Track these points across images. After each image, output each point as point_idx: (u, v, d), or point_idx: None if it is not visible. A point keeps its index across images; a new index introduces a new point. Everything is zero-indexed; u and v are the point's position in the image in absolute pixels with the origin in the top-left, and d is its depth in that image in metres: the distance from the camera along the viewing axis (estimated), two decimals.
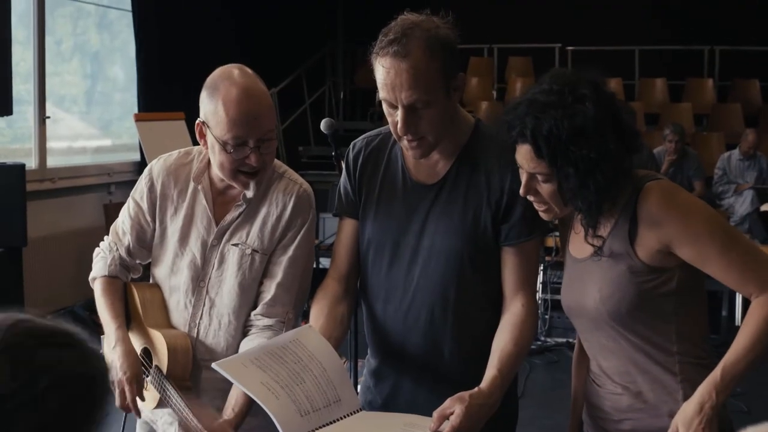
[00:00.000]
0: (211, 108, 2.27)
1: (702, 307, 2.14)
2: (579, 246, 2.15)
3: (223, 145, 2.26)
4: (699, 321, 2.13)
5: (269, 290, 2.39)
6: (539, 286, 7.30)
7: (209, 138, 2.32)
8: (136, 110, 8.14)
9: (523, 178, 2.05)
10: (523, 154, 2.02)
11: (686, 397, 2.02)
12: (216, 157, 2.32)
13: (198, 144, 2.45)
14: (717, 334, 6.66)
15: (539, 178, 2.03)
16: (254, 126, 2.25)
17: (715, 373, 1.96)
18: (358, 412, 2.12)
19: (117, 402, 2.35)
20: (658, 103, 11.11)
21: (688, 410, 1.97)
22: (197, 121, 2.34)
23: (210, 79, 2.31)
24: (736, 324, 7.51)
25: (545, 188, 2.03)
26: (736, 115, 10.49)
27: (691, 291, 2.09)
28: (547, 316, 7.32)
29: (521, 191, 2.07)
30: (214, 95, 2.26)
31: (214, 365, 2.08)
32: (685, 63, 11.38)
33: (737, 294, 7.51)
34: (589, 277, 2.10)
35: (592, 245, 2.10)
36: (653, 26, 11.33)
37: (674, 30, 11.27)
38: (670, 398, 2.07)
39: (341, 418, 2.07)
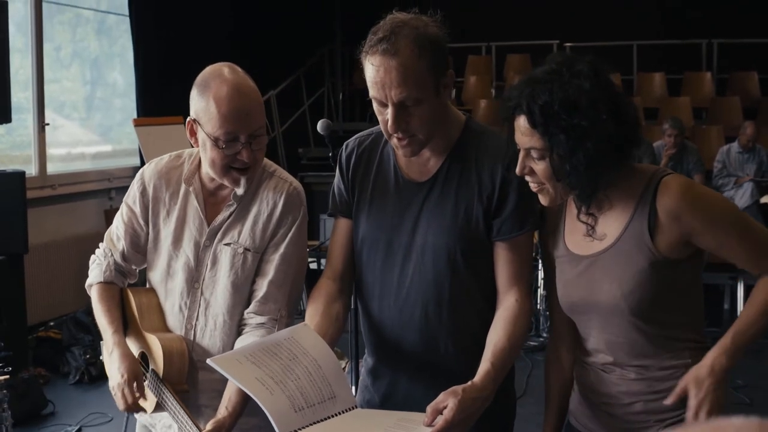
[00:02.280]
0: (203, 105, 2.29)
1: (701, 297, 2.20)
2: (581, 243, 2.17)
3: (215, 141, 2.29)
4: (701, 309, 2.20)
5: (261, 288, 2.41)
6: (540, 283, 7.29)
7: (200, 135, 2.34)
8: (135, 115, 8.16)
9: (520, 156, 2.08)
10: (519, 127, 2.05)
11: None
12: (207, 153, 2.34)
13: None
14: (719, 327, 6.65)
15: (534, 155, 2.05)
16: (245, 122, 2.28)
17: (726, 340, 2.05)
18: (353, 409, 2.13)
19: (120, 405, 2.36)
20: (656, 97, 11.10)
21: (700, 372, 2.03)
22: (188, 119, 2.36)
23: (200, 77, 2.33)
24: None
25: (540, 167, 2.05)
26: (735, 108, 10.48)
27: (696, 282, 2.17)
28: (548, 312, 7.29)
29: (517, 169, 2.09)
30: (205, 92, 2.29)
31: (208, 361, 2.09)
32: (683, 57, 11.37)
33: (739, 287, 7.51)
34: (603, 273, 2.12)
35: (585, 223, 2.13)
36: (651, 21, 11.33)
37: (672, 24, 11.27)
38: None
39: (336, 415, 2.08)
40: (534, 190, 2.12)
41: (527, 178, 2.11)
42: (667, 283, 2.07)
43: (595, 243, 2.14)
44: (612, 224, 2.12)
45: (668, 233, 2.05)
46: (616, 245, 2.10)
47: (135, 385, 2.34)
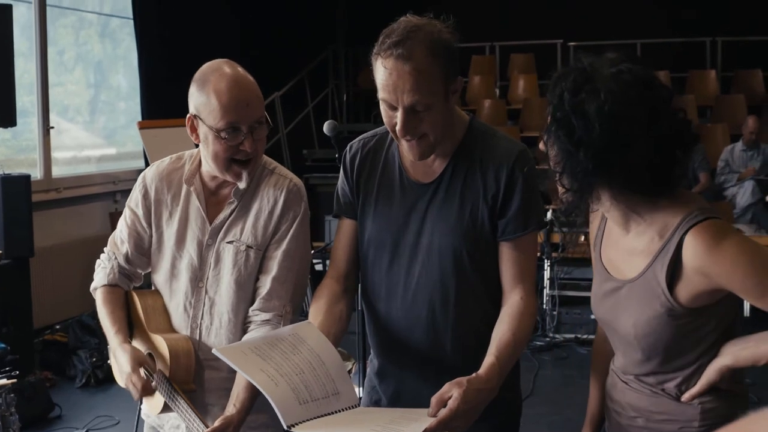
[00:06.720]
0: (203, 99, 2.31)
1: (732, 333, 2.07)
2: (614, 262, 2.13)
3: (217, 132, 2.30)
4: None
5: (265, 285, 2.42)
6: (546, 283, 7.30)
7: (201, 130, 2.35)
8: (139, 118, 8.16)
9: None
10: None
11: (703, 421, 2.04)
12: (210, 147, 2.35)
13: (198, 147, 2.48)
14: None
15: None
16: (246, 112, 2.30)
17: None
18: (355, 407, 2.13)
19: (134, 395, 2.37)
20: None
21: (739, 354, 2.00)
22: (188, 116, 2.38)
23: (199, 74, 2.36)
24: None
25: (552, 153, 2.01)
26: (740, 106, 10.46)
27: (727, 322, 2.04)
28: (555, 312, 7.31)
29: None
30: (204, 87, 2.31)
31: (214, 350, 2.10)
32: (687, 55, 11.36)
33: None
34: (624, 302, 2.07)
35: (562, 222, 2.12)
36: (655, 19, 11.32)
37: (676, 22, 11.27)
38: (687, 412, 2.08)
39: (339, 411, 2.08)
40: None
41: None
42: (688, 332, 2.00)
43: (624, 267, 2.09)
44: (639, 255, 2.04)
45: (692, 286, 1.95)
46: (634, 283, 2.04)
47: (141, 370, 2.34)
